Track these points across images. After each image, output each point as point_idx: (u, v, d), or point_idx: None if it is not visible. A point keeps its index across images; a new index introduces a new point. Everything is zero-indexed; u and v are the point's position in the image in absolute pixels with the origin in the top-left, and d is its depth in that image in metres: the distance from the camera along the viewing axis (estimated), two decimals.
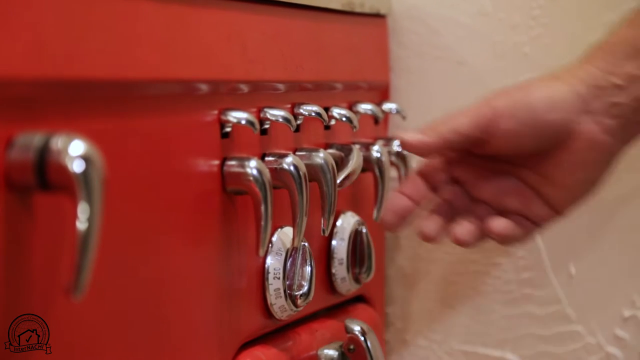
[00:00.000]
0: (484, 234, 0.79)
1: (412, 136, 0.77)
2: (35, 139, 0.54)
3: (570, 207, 0.79)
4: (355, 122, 0.87)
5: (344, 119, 0.87)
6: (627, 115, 0.76)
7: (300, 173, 0.76)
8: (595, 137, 0.76)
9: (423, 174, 0.80)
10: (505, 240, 0.79)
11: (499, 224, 0.78)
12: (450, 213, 0.80)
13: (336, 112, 0.87)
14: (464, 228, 0.78)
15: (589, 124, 0.76)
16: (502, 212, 0.79)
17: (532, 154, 0.77)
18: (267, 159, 0.76)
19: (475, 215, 0.79)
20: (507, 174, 0.79)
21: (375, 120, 0.96)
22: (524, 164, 0.78)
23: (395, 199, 0.79)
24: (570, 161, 0.77)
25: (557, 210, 0.79)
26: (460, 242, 0.78)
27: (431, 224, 0.78)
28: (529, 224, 0.79)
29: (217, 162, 0.72)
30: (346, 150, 0.87)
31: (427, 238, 0.78)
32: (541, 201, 0.79)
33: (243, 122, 0.73)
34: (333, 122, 0.87)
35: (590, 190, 0.78)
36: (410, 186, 0.79)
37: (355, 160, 0.86)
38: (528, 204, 0.79)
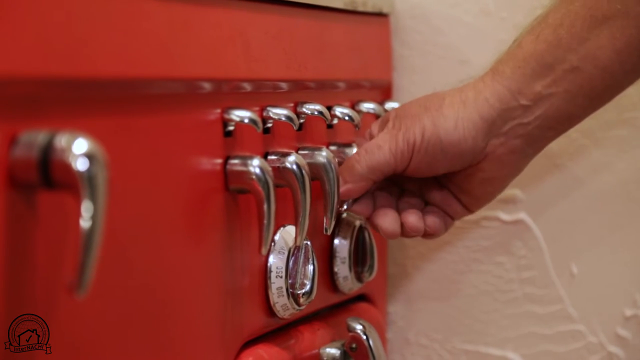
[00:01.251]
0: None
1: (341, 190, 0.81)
2: (39, 136, 0.54)
3: (480, 207, 0.85)
4: (358, 121, 0.87)
5: (346, 117, 0.87)
6: (532, 134, 0.79)
7: (303, 172, 0.76)
8: (503, 157, 0.80)
9: None
10: (420, 232, 0.83)
11: (411, 218, 0.82)
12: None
13: (338, 110, 0.87)
14: (416, 215, 0.82)
15: (497, 146, 0.79)
16: (427, 203, 0.84)
17: (445, 174, 0.82)
18: (269, 157, 0.76)
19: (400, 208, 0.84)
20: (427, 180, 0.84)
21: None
22: (441, 176, 0.83)
23: None
24: (480, 177, 0.81)
25: (470, 210, 0.84)
26: (415, 230, 0.82)
27: (390, 219, 0.82)
28: (448, 217, 0.84)
29: (220, 160, 0.72)
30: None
31: (390, 235, 0.82)
32: (457, 201, 0.84)
33: (246, 120, 0.73)
34: (335, 120, 0.87)
35: (497, 195, 0.84)
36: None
37: None
38: (446, 201, 0.84)
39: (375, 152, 0.80)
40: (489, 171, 0.80)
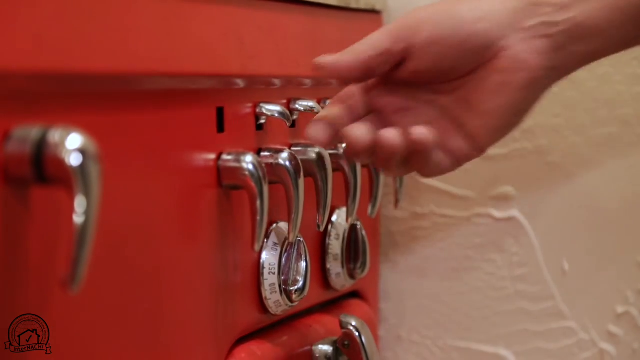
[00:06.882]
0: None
1: (328, 59, 0.70)
2: (33, 132, 0.54)
3: (490, 140, 0.72)
4: None
5: None
6: (559, 39, 0.70)
7: (296, 168, 0.76)
8: (522, 56, 0.70)
9: (341, 104, 0.73)
10: (426, 160, 0.71)
11: (419, 130, 0.69)
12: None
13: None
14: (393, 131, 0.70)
15: (517, 41, 0.70)
16: None
17: (453, 72, 0.71)
18: (262, 154, 0.76)
19: None
20: (426, 103, 0.73)
21: None
22: (445, 90, 0.72)
23: (319, 121, 0.71)
24: (493, 82, 0.71)
25: (476, 143, 0.72)
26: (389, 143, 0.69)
27: (361, 128, 0.70)
28: (449, 158, 0.72)
29: (213, 156, 0.72)
30: None
31: (356, 143, 0.69)
32: (461, 134, 0.72)
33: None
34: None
35: (512, 121, 0.72)
36: (333, 112, 0.72)
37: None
38: (447, 135, 0.72)
39: (375, 33, 0.70)
40: (503, 74, 0.70)
